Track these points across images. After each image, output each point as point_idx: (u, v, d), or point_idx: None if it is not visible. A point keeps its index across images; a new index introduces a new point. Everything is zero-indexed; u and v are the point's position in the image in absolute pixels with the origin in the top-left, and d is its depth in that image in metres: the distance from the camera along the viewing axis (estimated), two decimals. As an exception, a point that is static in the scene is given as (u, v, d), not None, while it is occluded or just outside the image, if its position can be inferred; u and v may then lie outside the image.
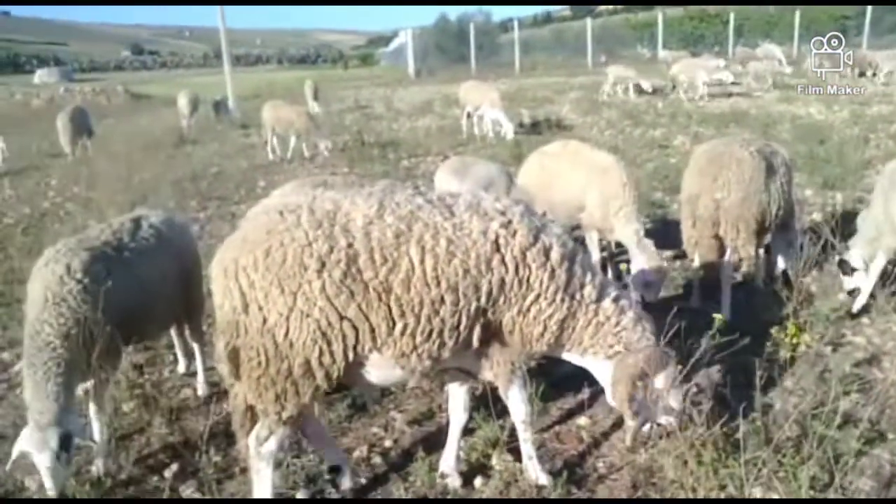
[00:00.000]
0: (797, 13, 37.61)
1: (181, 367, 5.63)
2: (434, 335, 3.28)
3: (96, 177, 13.31)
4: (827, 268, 6.82)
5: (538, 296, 3.40)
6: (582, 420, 4.66)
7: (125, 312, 4.18)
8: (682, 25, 47.77)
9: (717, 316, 4.08)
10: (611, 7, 68.11)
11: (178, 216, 5.56)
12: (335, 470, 4.07)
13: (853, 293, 6.11)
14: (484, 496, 3.91)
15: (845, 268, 6.14)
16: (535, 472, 3.90)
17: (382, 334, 3.24)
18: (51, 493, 3.73)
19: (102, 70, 74.50)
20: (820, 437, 4.10)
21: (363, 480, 4.14)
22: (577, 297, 3.50)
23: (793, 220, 6.48)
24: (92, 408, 4.32)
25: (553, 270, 3.41)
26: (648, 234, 6.61)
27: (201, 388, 5.24)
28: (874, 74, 25.45)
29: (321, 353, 3.23)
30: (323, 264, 3.14)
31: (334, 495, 4.03)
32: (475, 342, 3.39)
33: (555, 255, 3.42)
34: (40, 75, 56.36)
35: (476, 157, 11.56)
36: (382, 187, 6.26)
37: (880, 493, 3.86)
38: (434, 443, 4.35)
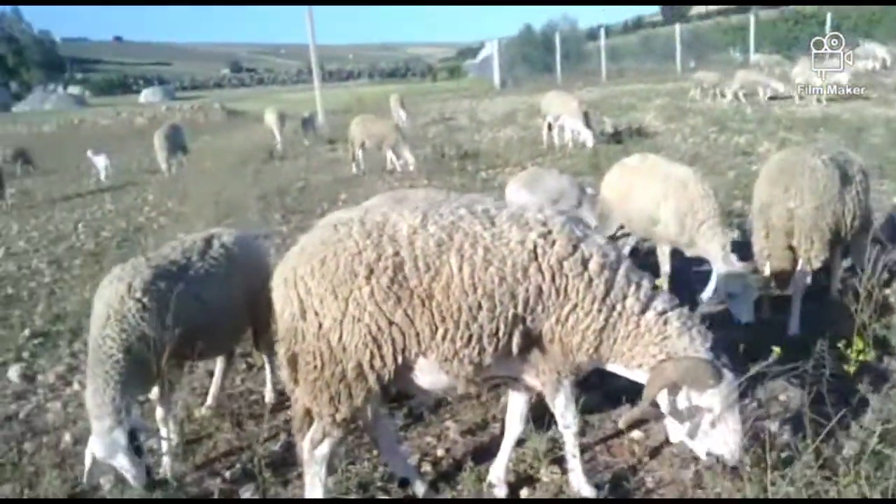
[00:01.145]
0: (901, 10, 35.78)
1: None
2: (473, 341, 3.40)
3: (188, 192, 14.05)
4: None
5: (575, 305, 3.45)
6: (636, 434, 4.65)
7: (188, 329, 4.37)
8: (776, 28, 46.09)
9: (776, 349, 3.91)
10: (703, 10, 66.48)
11: (250, 235, 5.76)
12: (404, 483, 4.21)
13: None
14: (529, 507, 3.97)
15: None
16: (578, 484, 3.93)
17: (426, 339, 3.40)
18: (137, 485, 4.00)
19: (203, 88, 77.95)
20: (880, 457, 3.99)
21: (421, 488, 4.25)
22: (618, 307, 3.52)
23: (869, 229, 6.23)
24: (159, 414, 4.59)
25: (591, 280, 3.45)
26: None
27: (269, 395, 5.47)
28: None
29: (372, 357, 3.42)
30: (371, 271, 3.35)
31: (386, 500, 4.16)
32: (515, 349, 3.48)
33: (593, 265, 3.47)
34: (145, 95, 59.61)
35: (548, 170, 11.62)
36: (458, 199, 6.48)
37: (940, 517, 3.69)
38: (485, 453, 4.44)
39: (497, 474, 4.09)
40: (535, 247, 3.43)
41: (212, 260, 4.83)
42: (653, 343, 3.56)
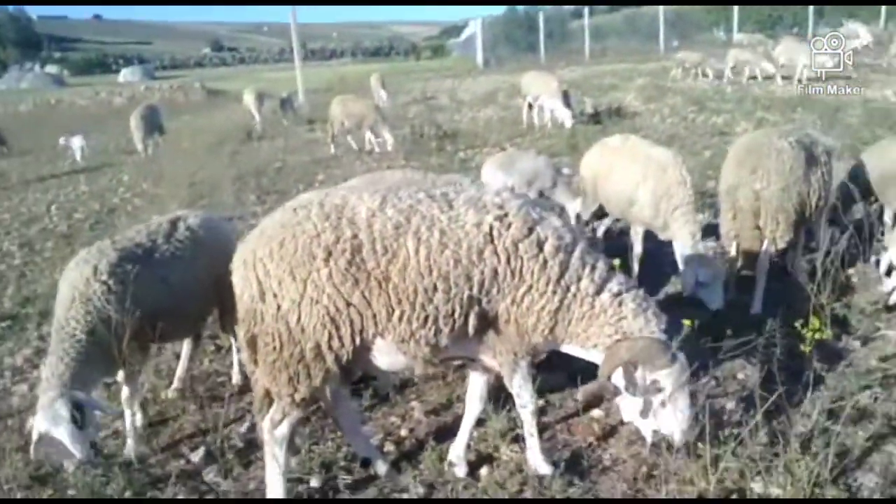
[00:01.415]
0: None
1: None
2: (430, 322, 3.45)
3: (163, 173, 13.96)
4: (872, 259, 6.64)
5: (530, 287, 3.49)
6: (596, 412, 4.72)
7: (153, 312, 4.39)
8: (759, 8, 46.05)
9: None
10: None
11: (217, 217, 5.73)
12: (366, 463, 4.27)
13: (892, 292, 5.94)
14: (483, 485, 4.02)
15: (883, 268, 6.02)
16: (535, 462, 4.00)
17: (383, 320, 3.45)
18: (80, 458, 3.99)
19: (183, 67, 77.06)
20: (829, 433, 4.08)
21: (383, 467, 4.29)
22: (573, 289, 3.56)
23: (829, 210, 6.35)
24: (124, 395, 4.60)
25: (546, 262, 3.49)
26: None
27: (235, 377, 5.50)
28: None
29: (330, 338, 3.47)
30: (330, 253, 3.39)
31: (347, 481, 4.21)
32: (471, 330, 3.53)
33: (548, 247, 3.51)
34: (124, 74, 58.87)
35: (523, 151, 11.64)
36: (431, 181, 6.50)
37: (885, 490, 3.79)
38: (448, 432, 4.49)
39: (457, 453, 4.15)
40: (491, 229, 3.46)
41: (177, 242, 4.82)
42: (608, 324, 3.61)
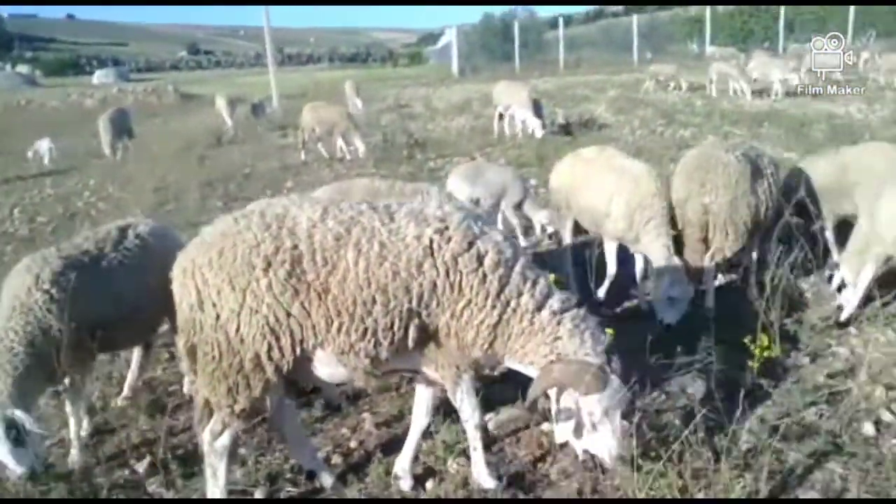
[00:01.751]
0: (851, 8, 36.49)
1: None
2: (369, 334, 3.44)
3: (130, 177, 13.83)
4: (825, 275, 6.75)
5: (469, 301, 3.49)
6: (545, 426, 4.71)
7: (99, 321, 4.33)
8: (732, 20, 46.75)
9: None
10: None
11: (167, 225, 5.66)
12: (312, 475, 4.24)
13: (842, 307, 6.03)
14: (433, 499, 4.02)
15: (834, 284, 6.14)
16: (480, 477, 4.00)
17: (322, 331, 3.44)
18: (19, 475, 3.92)
19: (159, 70, 76.45)
20: (773, 450, 4.13)
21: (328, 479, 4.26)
22: (513, 304, 3.56)
23: (778, 222, 6.44)
24: (68, 405, 4.53)
25: (485, 276, 3.50)
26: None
27: (187, 386, 5.43)
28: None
29: (270, 348, 3.45)
30: (269, 263, 3.37)
31: (293, 494, 4.18)
32: (411, 344, 3.52)
33: (488, 261, 3.51)
34: (98, 76, 58.14)
35: (490, 162, 11.71)
36: (399, 188, 6.48)
37: (827, 509, 3.83)
38: (398, 444, 4.44)
39: (402, 466, 4.14)
40: (431, 242, 3.46)
41: (126, 251, 4.74)
42: (544, 342, 3.61)
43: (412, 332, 3.49)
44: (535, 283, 3.63)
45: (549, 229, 8.85)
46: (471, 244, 3.51)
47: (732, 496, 3.69)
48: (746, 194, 5.97)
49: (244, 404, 3.55)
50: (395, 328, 3.45)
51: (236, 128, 20.91)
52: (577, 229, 7.33)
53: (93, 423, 4.94)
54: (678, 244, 6.30)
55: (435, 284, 3.45)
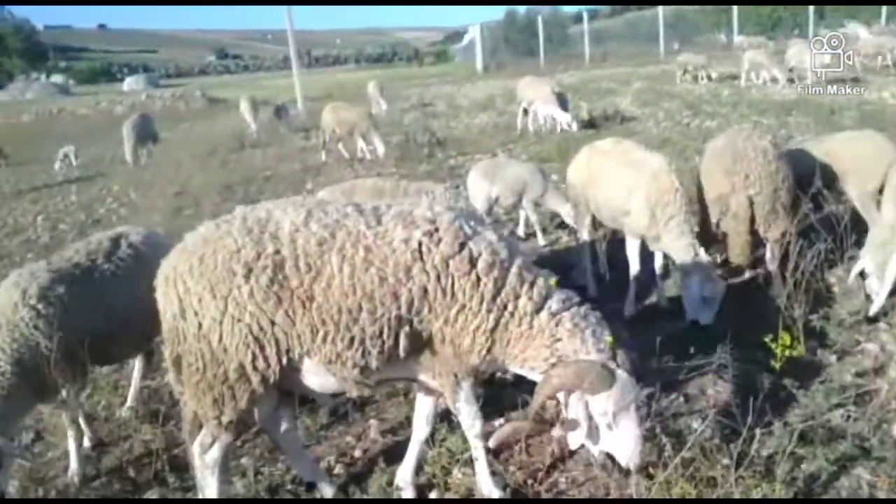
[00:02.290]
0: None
1: None
2: (356, 343, 3.29)
3: (153, 182, 13.87)
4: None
5: (464, 306, 3.31)
6: (556, 432, 4.52)
7: (92, 335, 4.21)
8: (760, 8, 45.83)
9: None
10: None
11: (161, 234, 5.52)
12: (311, 487, 4.11)
13: (870, 298, 5.75)
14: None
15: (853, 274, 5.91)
16: (484, 486, 3.83)
17: (307, 341, 3.29)
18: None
19: (188, 75, 77.35)
20: (796, 455, 3.91)
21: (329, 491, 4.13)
22: (510, 307, 3.38)
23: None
24: (66, 418, 4.44)
25: (479, 279, 3.32)
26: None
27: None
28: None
29: (254, 358, 3.30)
30: (250, 270, 3.24)
31: None
32: (402, 352, 3.35)
33: (482, 263, 3.33)
34: (128, 83, 58.96)
35: (509, 159, 11.51)
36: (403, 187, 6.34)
37: (851, 517, 3.60)
38: (404, 453, 4.28)
39: (404, 477, 3.97)
40: (420, 245, 3.29)
41: (119, 261, 4.61)
42: (544, 345, 3.43)
43: (403, 341, 3.32)
44: (532, 285, 3.43)
45: (578, 226, 8.65)
46: (462, 245, 3.34)
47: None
48: (787, 178, 5.92)
49: (231, 416, 3.41)
50: (385, 336, 3.29)
51: (260, 131, 20.93)
52: (598, 224, 7.09)
53: (95, 434, 4.85)
54: (705, 239, 6.12)
55: (425, 290, 3.28)
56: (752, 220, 6.01)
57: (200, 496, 3.67)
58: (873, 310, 5.65)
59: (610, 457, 3.50)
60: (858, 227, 6.46)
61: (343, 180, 11.80)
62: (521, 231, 9.14)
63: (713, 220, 6.24)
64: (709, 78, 24.35)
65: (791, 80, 20.94)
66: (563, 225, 8.92)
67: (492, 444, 3.81)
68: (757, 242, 6.28)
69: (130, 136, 17.03)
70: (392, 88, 29.52)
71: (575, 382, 3.31)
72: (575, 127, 15.11)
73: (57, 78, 72.13)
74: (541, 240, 8.65)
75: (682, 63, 25.49)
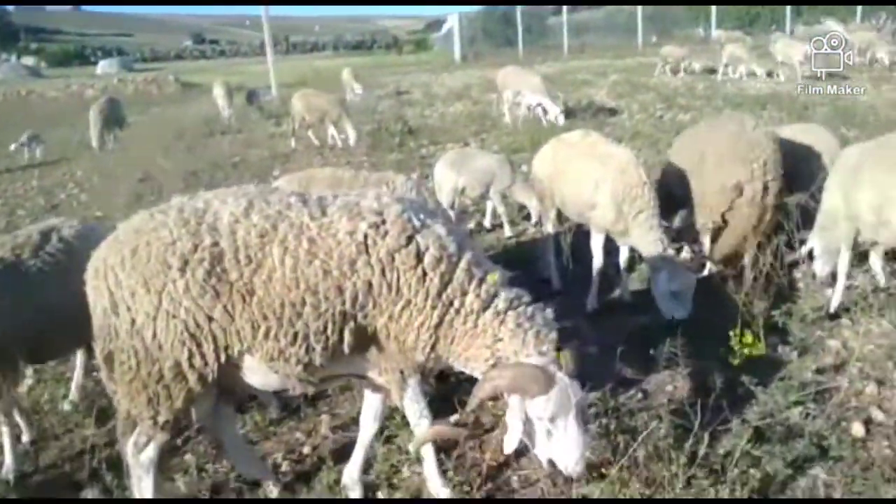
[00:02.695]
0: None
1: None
2: (300, 339, 3.15)
3: (117, 168, 13.57)
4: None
5: (409, 301, 3.18)
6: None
7: (20, 333, 4.01)
8: (738, 5, 45.87)
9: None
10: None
11: (97, 226, 5.26)
12: (256, 485, 3.98)
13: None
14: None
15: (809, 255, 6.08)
16: (433, 486, 3.71)
17: (248, 337, 3.14)
18: None
19: (163, 59, 76.21)
20: (752, 455, 3.84)
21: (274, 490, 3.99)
22: (456, 304, 3.24)
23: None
24: None
25: (425, 274, 3.18)
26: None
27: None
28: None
29: (191, 356, 3.15)
30: (186, 262, 3.08)
31: None
32: (346, 348, 3.22)
33: (429, 257, 3.19)
34: (102, 66, 57.85)
35: (477, 149, 11.38)
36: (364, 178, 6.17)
37: (805, 519, 3.53)
38: (353, 450, 4.20)
39: (351, 475, 3.85)
40: (366, 238, 3.15)
41: (48, 256, 4.33)
42: (485, 346, 3.29)
43: (348, 337, 3.19)
44: (481, 282, 3.29)
45: (543, 221, 8.55)
46: (409, 239, 3.20)
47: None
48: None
49: (167, 416, 3.25)
50: (329, 332, 3.15)
51: (231, 116, 20.59)
52: (563, 218, 6.98)
53: (35, 429, 4.67)
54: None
55: (370, 284, 3.14)
56: (767, 210, 6.02)
57: (136, 497, 3.51)
58: (833, 306, 5.63)
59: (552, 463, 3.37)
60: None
61: (312, 168, 11.64)
62: (487, 222, 9.02)
63: (721, 209, 6.13)
64: (692, 71, 24.36)
65: (770, 75, 21.01)
66: (530, 216, 8.82)
67: (412, 447, 3.66)
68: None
69: (97, 120, 16.63)
70: (369, 76, 29.15)
71: (511, 386, 3.17)
72: (562, 120, 14.85)
73: (28, 60, 70.72)
74: (507, 231, 8.54)
75: (664, 55, 25.51)
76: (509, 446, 3.29)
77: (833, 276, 5.87)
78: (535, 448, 3.33)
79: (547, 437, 3.24)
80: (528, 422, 3.23)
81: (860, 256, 6.11)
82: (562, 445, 3.21)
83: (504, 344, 3.29)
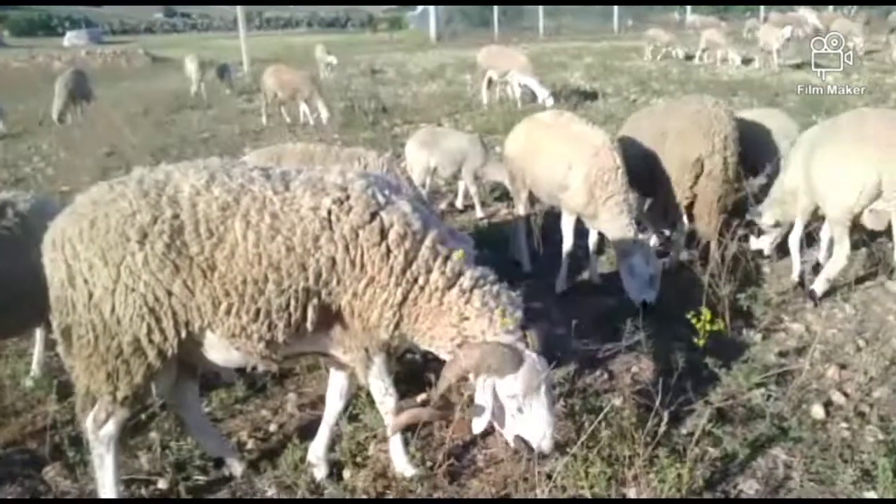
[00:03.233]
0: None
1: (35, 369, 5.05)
2: (262, 316, 3.12)
3: (85, 141, 13.31)
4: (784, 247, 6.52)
5: (372, 278, 3.16)
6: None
7: None
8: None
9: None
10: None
11: (52, 200, 5.14)
12: (220, 463, 3.96)
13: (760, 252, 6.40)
14: (350, 488, 3.74)
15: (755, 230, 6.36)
16: (399, 464, 3.73)
17: (209, 313, 3.10)
18: None
19: (133, 32, 74.45)
20: (714, 435, 3.89)
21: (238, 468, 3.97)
22: (420, 281, 3.23)
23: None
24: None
25: (389, 251, 3.16)
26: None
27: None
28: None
29: (150, 331, 3.10)
30: (145, 235, 3.02)
31: (200, 482, 3.89)
32: (309, 325, 3.19)
33: (393, 234, 3.17)
34: (69, 37, 56.37)
35: (449, 129, 11.32)
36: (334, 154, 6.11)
37: (765, 498, 3.59)
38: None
39: (316, 453, 3.84)
40: (329, 213, 3.12)
41: (2, 230, 4.23)
42: (451, 324, 3.30)
43: (311, 314, 3.16)
44: (446, 259, 3.28)
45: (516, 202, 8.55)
46: (373, 215, 3.17)
47: (666, 485, 3.44)
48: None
49: (126, 392, 3.19)
50: (292, 309, 3.12)
51: (202, 91, 20.27)
52: (535, 199, 6.96)
53: (-4, 405, 4.60)
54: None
55: (334, 261, 3.12)
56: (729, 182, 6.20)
57: (97, 474, 3.46)
58: (795, 274, 6.08)
59: (523, 440, 3.37)
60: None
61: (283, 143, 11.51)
62: (459, 203, 9.00)
63: (686, 184, 6.22)
64: (667, 56, 24.47)
65: (745, 62, 21.15)
66: (501, 197, 8.82)
67: (388, 432, 3.65)
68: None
69: (62, 92, 16.21)
70: (343, 54, 28.78)
71: (480, 365, 3.19)
72: (551, 101, 14.74)
73: (-9, 29, 68.82)
74: (479, 212, 8.53)
75: (650, 38, 25.61)
76: (478, 426, 3.31)
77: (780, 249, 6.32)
78: (504, 427, 3.35)
79: (516, 414, 3.27)
80: (496, 400, 3.24)
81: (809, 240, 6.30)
82: (532, 423, 3.25)
83: (470, 323, 3.29)
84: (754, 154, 6.69)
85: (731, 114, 6.35)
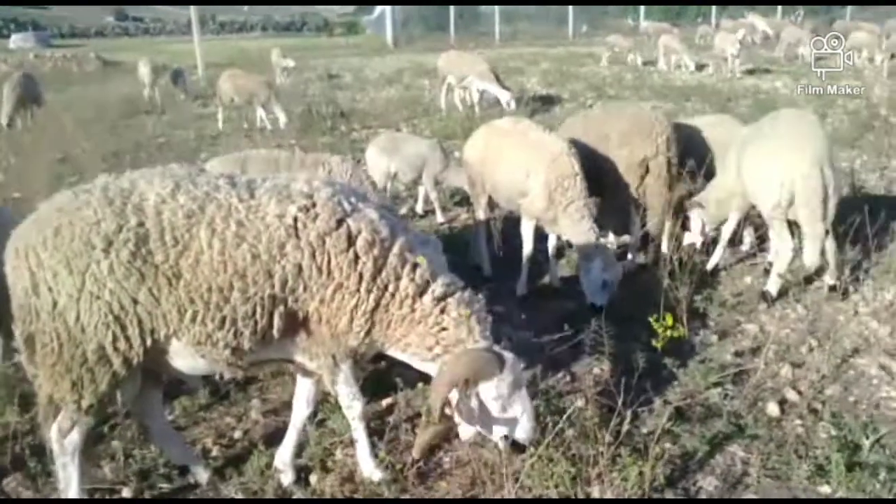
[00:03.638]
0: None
1: None
2: (227, 323, 3.13)
3: (36, 147, 13.03)
4: (740, 250, 6.71)
5: (340, 285, 3.20)
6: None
7: None
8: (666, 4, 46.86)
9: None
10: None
11: (6, 209, 5.06)
12: (184, 470, 3.93)
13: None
14: (317, 493, 3.75)
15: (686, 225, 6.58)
16: (366, 468, 3.76)
17: (174, 321, 3.10)
18: None
19: (83, 36, 72.93)
20: (673, 433, 4.00)
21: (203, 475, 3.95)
22: (390, 288, 3.28)
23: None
24: None
25: (357, 258, 3.20)
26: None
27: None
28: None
29: (115, 339, 3.09)
30: (110, 243, 3.01)
31: (165, 491, 3.86)
32: (276, 333, 3.21)
33: (361, 241, 3.21)
34: (15, 40, 54.85)
35: (409, 135, 11.37)
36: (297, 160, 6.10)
37: (723, 495, 3.70)
38: (284, 435, 4.18)
39: (283, 459, 3.85)
40: (295, 221, 3.15)
41: None
42: (429, 334, 3.36)
43: (277, 321, 3.18)
44: (415, 266, 3.34)
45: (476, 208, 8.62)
46: (340, 222, 3.21)
47: (629, 483, 3.53)
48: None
49: (91, 400, 3.18)
50: (258, 316, 3.14)
51: (156, 96, 19.98)
52: (494, 204, 7.03)
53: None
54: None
55: (300, 268, 3.14)
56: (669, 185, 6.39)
57: (61, 484, 3.42)
58: (711, 265, 6.44)
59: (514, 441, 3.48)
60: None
61: (240, 150, 11.44)
62: (419, 208, 9.04)
63: (633, 185, 6.39)
64: (623, 62, 24.85)
65: (699, 68, 21.59)
66: (461, 202, 8.89)
67: (416, 454, 3.67)
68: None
69: (10, 96, 15.82)
70: (299, 58, 28.59)
71: (468, 373, 3.26)
72: (514, 105, 14.82)
73: (-67, 31, 66.85)
74: (439, 217, 8.59)
75: (610, 44, 25.94)
76: (466, 434, 3.41)
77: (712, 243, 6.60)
78: (490, 430, 3.46)
79: (501, 415, 3.37)
80: (480, 405, 3.31)
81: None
82: (518, 418, 3.39)
83: (449, 332, 3.38)
84: (699, 161, 6.82)
85: (666, 117, 6.67)
